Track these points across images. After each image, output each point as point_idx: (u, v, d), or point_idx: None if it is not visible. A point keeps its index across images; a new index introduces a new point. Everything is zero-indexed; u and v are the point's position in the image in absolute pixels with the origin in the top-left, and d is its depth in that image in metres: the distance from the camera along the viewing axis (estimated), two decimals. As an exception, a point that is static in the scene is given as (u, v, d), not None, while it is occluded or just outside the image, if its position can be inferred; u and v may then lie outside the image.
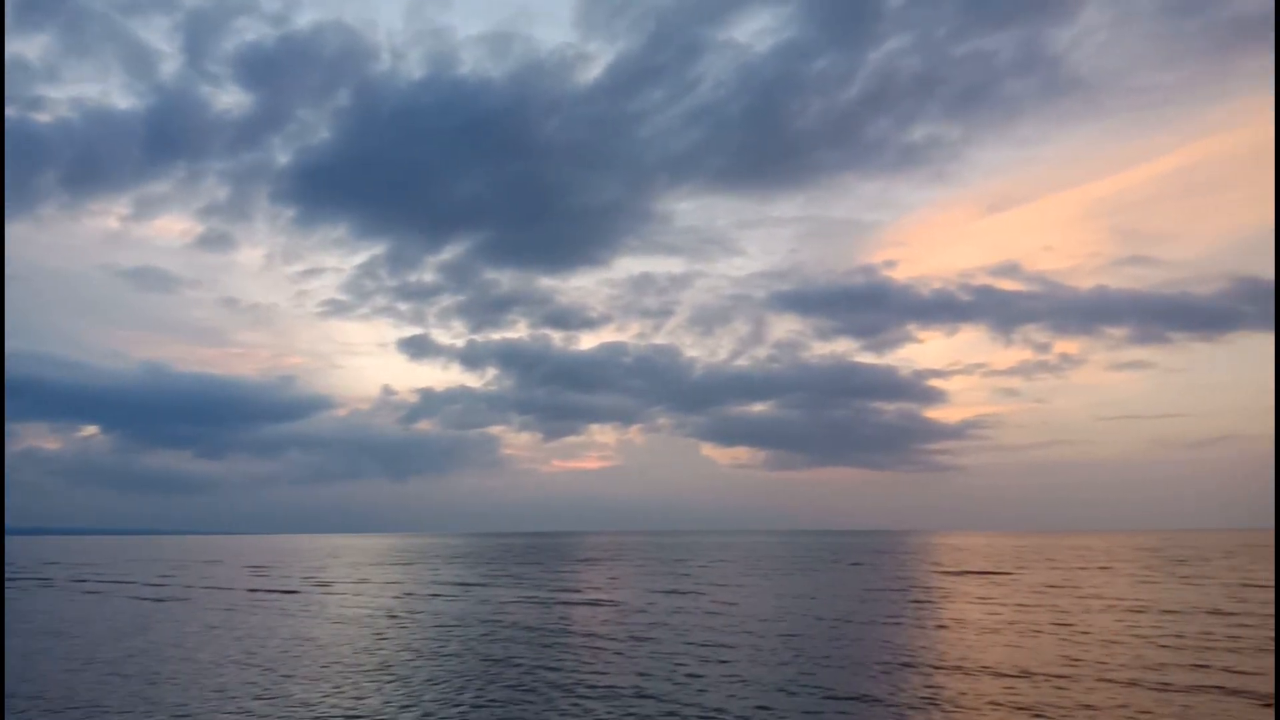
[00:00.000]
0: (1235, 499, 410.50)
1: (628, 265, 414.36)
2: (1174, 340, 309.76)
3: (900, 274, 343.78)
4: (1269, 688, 15.58)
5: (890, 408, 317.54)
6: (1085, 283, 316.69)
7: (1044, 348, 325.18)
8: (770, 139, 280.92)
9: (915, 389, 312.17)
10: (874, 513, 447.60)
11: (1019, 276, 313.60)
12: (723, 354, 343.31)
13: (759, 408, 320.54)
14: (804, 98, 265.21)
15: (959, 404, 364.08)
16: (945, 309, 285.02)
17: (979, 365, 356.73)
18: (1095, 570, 52.92)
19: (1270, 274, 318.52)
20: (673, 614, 28.60)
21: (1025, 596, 34.59)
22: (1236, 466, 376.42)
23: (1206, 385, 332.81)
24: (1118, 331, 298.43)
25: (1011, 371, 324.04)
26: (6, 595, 40.88)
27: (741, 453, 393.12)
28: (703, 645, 21.40)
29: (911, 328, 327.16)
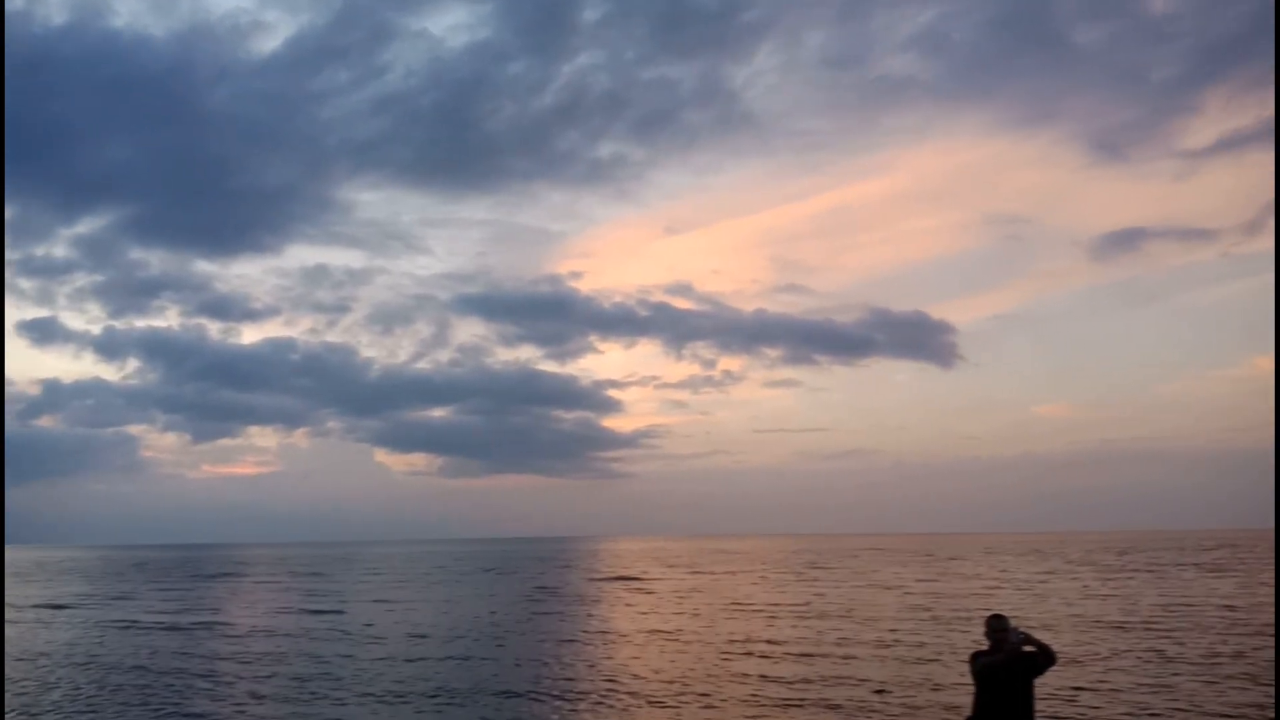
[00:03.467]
0: (864, 506, 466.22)
1: (301, 255, 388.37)
2: (819, 362, 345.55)
3: (585, 285, 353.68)
4: (863, 684, 15.92)
5: (570, 416, 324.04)
6: (748, 306, 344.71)
7: (710, 364, 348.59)
8: (461, 137, 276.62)
9: (594, 398, 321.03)
10: (551, 519, 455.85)
11: (691, 296, 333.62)
12: (402, 355, 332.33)
13: (439, 413, 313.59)
14: (497, 100, 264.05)
15: (633, 414, 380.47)
16: (625, 322, 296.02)
17: (653, 378, 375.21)
18: (733, 573, 55.86)
19: (898, 306, 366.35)
20: (293, 637, 25.38)
21: (665, 601, 35.04)
22: (865, 477, 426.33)
23: (843, 403, 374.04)
24: (774, 352, 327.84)
25: (681, 385, 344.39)
26: None
27: (418, 459, 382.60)
28: (308, 671, 18.69)
29: (593, 338, 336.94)
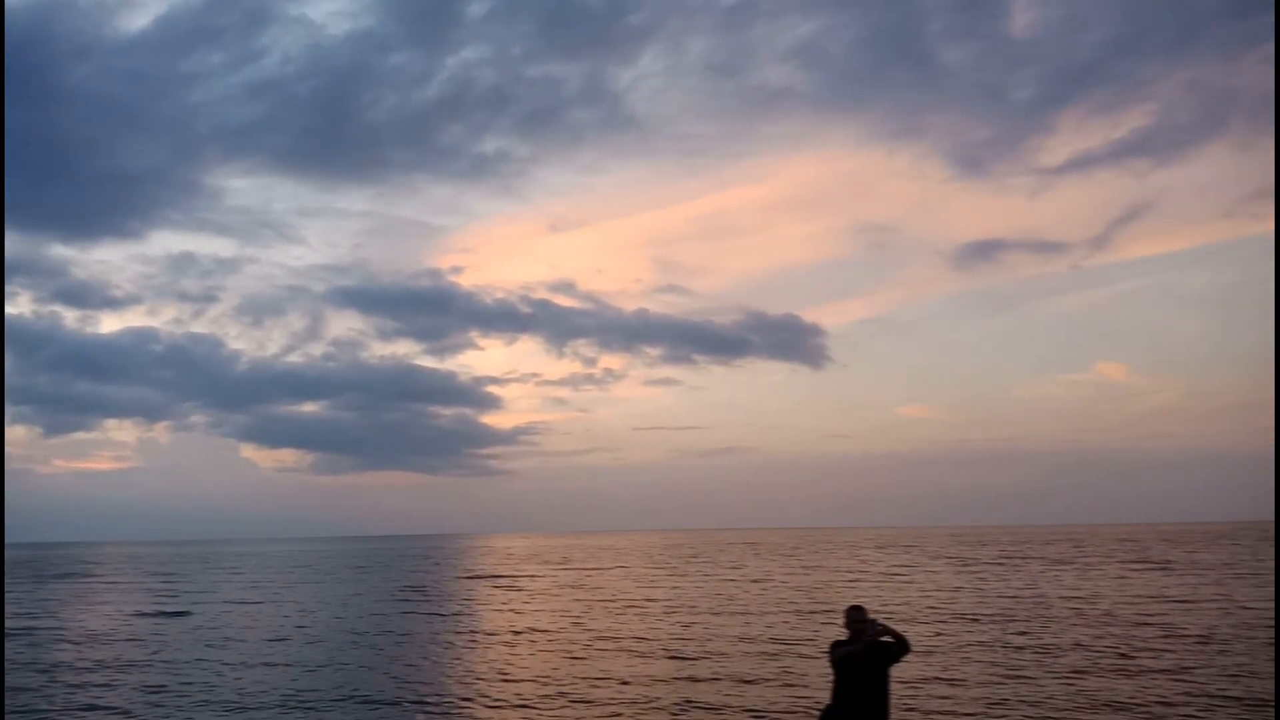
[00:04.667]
0: (739, 502, 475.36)
1: (166, 241, 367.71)
2: (698, 362, 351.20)
3: (466, 281, 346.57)
4: (707, 684, 16.06)
5: (447, 412, 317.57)
6: (630, 305, 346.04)
7: (591, 362, 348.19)
8: (340, 127, 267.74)
9: (473, 395, 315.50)
10: (427, 517, 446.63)
11: (574, 294, 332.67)
12: (273, 348, 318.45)
13: (310, 408, 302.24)
14: (378, 90, 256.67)
15: (513, 411, 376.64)
16: (506, 319, 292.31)
17: (534, 375, 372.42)
18: (609, 569, 55.93)
19: (773, 309, 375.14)
20: (137, 642, 23.90)
21: (537, 599, 34.72)
22: (740, 474, 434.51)
23: (719, 402, 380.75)
24: (654, 351, 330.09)
25: (562, 382, 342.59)
26: None
27: (287, 455, 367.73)
28: (149, 680, 17.58)
29: (474, 334, 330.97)
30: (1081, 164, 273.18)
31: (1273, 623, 21.65)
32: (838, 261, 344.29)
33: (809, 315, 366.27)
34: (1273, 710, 12.77)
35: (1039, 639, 20.80)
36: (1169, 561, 51.42)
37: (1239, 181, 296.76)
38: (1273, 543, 79.04)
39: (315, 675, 18.05)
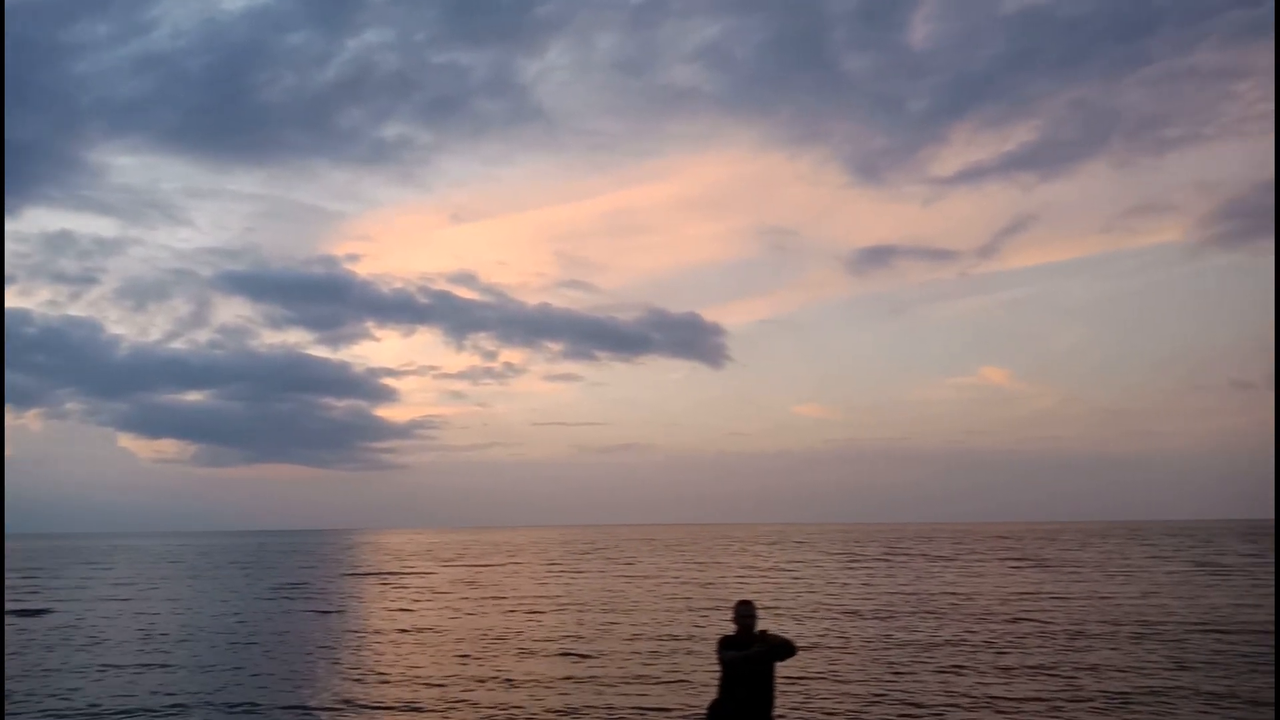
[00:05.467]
0: (638, 499, 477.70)
1: (42, 219, 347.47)
2: (599, 358, 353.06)
3: (363, 269, 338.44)
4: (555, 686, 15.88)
5: (340, 404, 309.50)
6: (532, 299, 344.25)
7: (491, 355, 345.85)
8: (233, 105, 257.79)
9: (367, 386, 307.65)
10: (317, 512, 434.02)
11: (475, 286, 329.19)
12: (155, 334, 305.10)
13: (194, 397, 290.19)
14: (275, 69, 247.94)
15: (409, 404, 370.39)
16: (404, 309, 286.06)
17: (431, 367, 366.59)
18: (502, 565, 55.26)
19: (675, 307, 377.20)
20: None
21: (427, 596, 33.95)
22: (639, 470, 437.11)
23: (620, 399, 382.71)
24: (555, 346, 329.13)
25: (461, 375, 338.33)
26: None
27: (168, 446, 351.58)
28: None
29: (369, 324, 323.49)
30: (972, 175, 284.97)
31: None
32: (739, 262, 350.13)
33: (710, 314, 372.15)
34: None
35: (920, 634, 21.28)
36: (1045, 559, 53.73)
37: (1117, 198, 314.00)
38: (1139, 542, 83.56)
39: (181, 678, 17.11)
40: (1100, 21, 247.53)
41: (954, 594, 31.53)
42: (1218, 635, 20.57)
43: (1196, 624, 22.52)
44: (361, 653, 19.96)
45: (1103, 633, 21.28)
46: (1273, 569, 41.23)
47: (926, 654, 18.54)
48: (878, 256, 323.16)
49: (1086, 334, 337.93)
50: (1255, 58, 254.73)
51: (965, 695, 14.64)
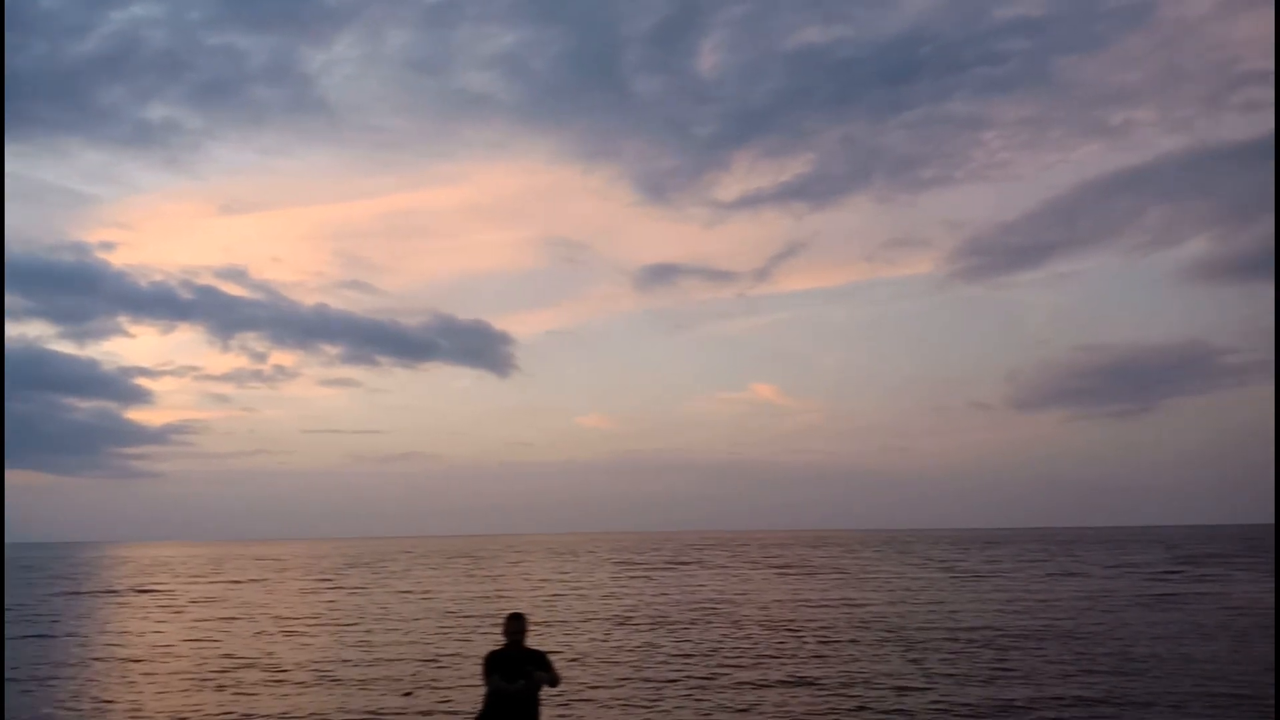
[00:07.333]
0: (417, 510, 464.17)
1: None
2: (380, 363, 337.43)
3: (119, 259, 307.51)
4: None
5: (86, 405, 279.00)
6: (308, 299, 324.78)
7: (261, 357, 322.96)
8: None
9: (119, 387, 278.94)
10: (56, 523, 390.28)
11: (245, 282, 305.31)
12: None
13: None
14: (24, 35, 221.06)
15: (165, 406, 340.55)
16: (164, 305, 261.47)
17: (192, 368, 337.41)
18: (260, 581, 51.73)
19: (462, 314, 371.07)
20: None
21: (168, 616, 31.01)
22: (420, 480, 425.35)
23: (401, 406, 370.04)
24: (333, 349, 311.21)
25: (226, 378, 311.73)
26: None
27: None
28: None
29: (123, 320, 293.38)
30: (751, 201, 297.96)
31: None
32: (529, 272, 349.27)
33: (498, 323, 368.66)
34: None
35: (687, 642, 21.61)
36: (815, 567, 56.73)
37: (878, 230, 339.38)
38: (894, 550, 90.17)
39: None
40: (869, 65, 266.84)
41: (722, 601, 32.46)
42: (954, 636, 22.26)
43: (944, 627, 24.27)
44: (83, 683, 17.70)
45: (854, 638, 22.47)
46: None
47: (692, 662, 18.80)
48: (663, 274, 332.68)
49: (848, 355, 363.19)
50: (998, 111, 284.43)
51: (731, 699, 14.88)
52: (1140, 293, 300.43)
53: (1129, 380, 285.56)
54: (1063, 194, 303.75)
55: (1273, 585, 34.74)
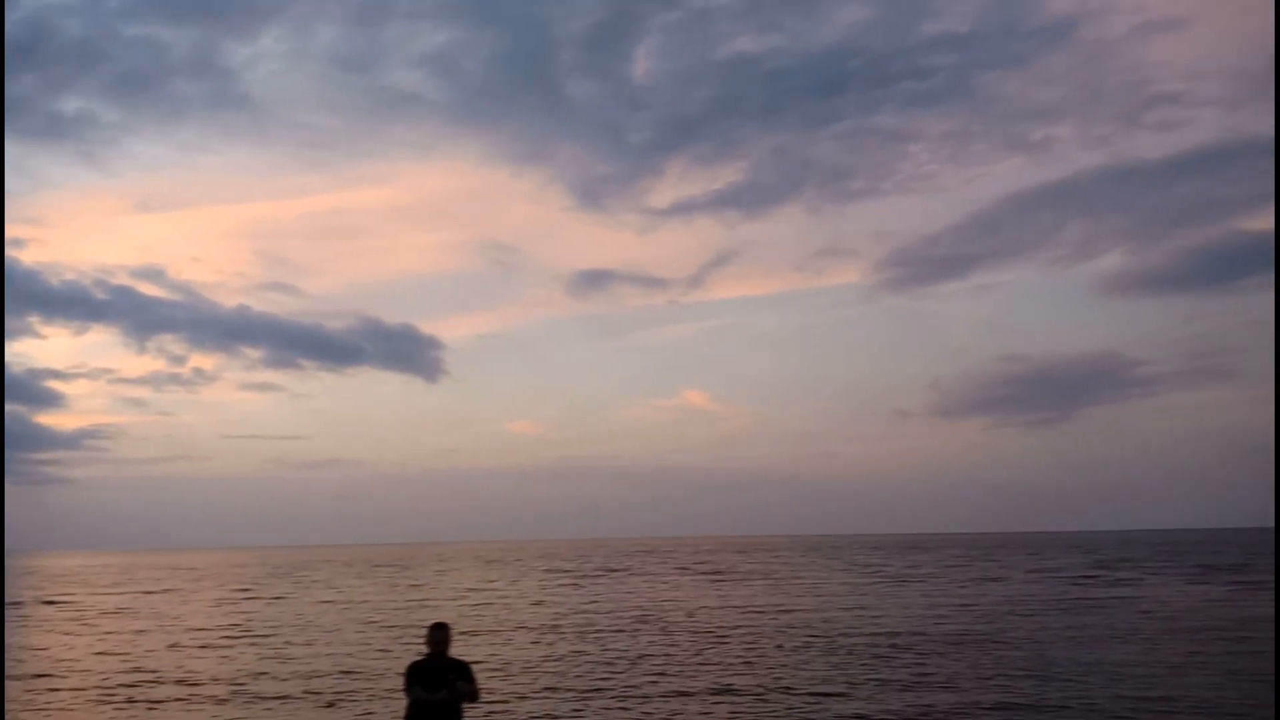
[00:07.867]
0: (341, 517, 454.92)
1: None
2: (304, 367, 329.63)
3: (28, 256, 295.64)
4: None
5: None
6: (230, 300, 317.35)
7: (179, 360, 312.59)
8: None
9: (28, 390, 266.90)
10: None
11: (163, 283, 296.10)
12: None
13: None
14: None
15: (78, 410, 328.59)
16: (76, 304, 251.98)
17: (106, 370, 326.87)
18: (173, 591, 50.06)
19: (390, 317, 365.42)
20: None
21: (71, 630, 29.73)
22: (344, 487, 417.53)
23: (325, 411, 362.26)
24: (254, 352, 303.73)
25: (142, 381, 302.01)
26: None
27: None
28: None
29: (33, 320, 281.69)
30: (684, 209, 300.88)
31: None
32: (459, 275, 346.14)
33: (427, 327, 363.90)
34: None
35: (614, 651, 21.46)
36: (744, 572, 57.06)
37: (808, 239, 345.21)
38: (821, 554, 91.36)
39: None
40: (799, 76, 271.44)
41: (653, 607, 32.40)
42: (882, 638, 22.54)
43: (868, 633, 24.55)
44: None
45: (776, 641, 22.59)
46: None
47: (619, 671, 18.66)
48: (596, 280, 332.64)
49: (777, 362, 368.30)
50: (924, 124, 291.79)
51: (646, 718, 14.78)
52: (1059, 305, 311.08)
53: (1047, 389, 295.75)
54: (985, 207, 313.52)
55: (1201, 588, 35.98)
